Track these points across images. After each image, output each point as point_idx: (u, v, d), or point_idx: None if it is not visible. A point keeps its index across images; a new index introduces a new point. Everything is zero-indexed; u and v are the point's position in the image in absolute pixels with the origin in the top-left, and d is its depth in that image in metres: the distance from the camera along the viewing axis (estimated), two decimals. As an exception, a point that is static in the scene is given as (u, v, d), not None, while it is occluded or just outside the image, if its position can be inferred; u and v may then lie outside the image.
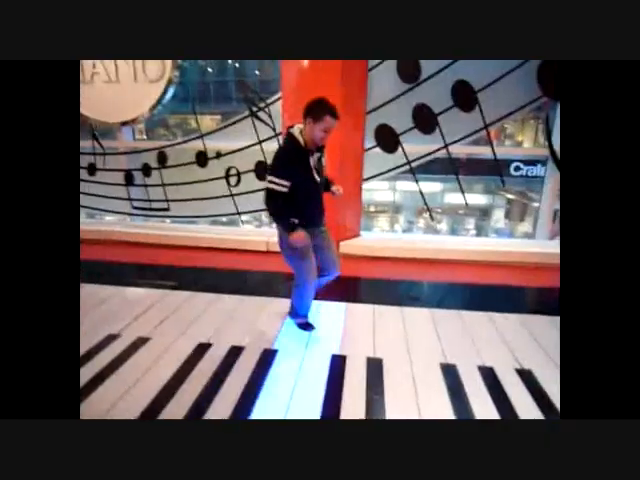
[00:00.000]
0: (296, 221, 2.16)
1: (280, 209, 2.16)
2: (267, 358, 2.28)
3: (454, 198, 12.82)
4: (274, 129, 4.17)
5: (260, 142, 4.28)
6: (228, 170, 4.50)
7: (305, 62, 3.66)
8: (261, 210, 4.78)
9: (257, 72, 10.13)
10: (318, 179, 2.21)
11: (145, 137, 6.16)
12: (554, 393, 1.99)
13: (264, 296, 3.13)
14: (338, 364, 2.23)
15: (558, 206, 11.30)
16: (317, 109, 2.09)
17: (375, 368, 2.20)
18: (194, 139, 4.54)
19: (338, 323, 2.71)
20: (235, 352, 2.35)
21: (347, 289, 3.37)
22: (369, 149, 4.11)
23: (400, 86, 3.90)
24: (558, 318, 2.66)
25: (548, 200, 4.30)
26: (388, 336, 2.54)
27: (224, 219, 5.61)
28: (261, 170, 4.38)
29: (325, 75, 3.64)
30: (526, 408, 1.89)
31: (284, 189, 2.10)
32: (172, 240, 4.51)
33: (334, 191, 2.41)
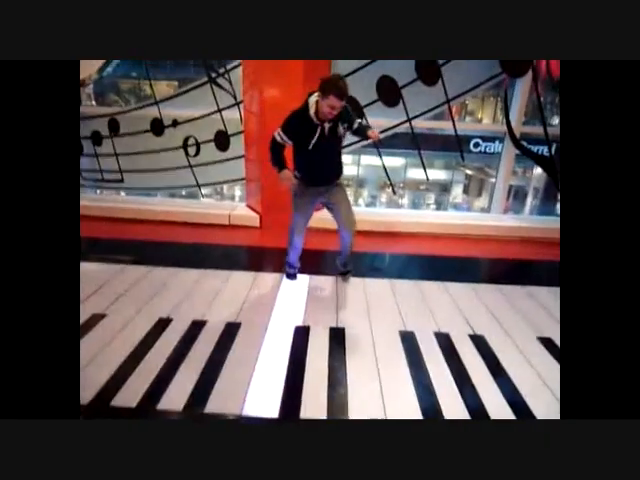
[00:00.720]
0: (297, 175, 2.55)
1: (274, 154, 2.47)
2: (230, 332, 2.27)
3: (416, 173, 13.06)
4: (235, 97, 4.00)
5: (220, 110, 4.10)
6: (186, 140, 4.30)
7: (267, 26, 3.47)
8: (223, 182, 4.65)
9: (216, 35, 9.61)
10: (324, 144, 2.38)
11: (94, 103, 5.71)
12: (504, 357, 2.14)
13: (227, 269, 3.08)
14: (301, 335, 2.26)
15: (512, 182, 11.71)
16: (326, 86, 2.19)
17: (337, 337, 2.25)
18: (148, 105, 4.27)
19: (302, 295, 2.74)
20: (197, 327, 2.31)
21: (310, 262, 3.39)
22: (333, 121, 4.06)
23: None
24: (505, 286, 2.79)
25: (503, 176, 4.48)
26: (351, 306, 2.60)
27: (183, 192, 5.40)
28: (222, 140, 4.21)
29: (288, 41, 3.50)
30: (478, 371, 2.03)
31: (281, 141, 2.42)
32: (127, 213, 4.30)
33: (370, 135, 2.48)
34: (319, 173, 2.55)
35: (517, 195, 14.26)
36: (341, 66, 3.86)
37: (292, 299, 2.69)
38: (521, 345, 2.27)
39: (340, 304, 2.63)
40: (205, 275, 2.98)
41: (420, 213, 6.19)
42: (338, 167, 2.64)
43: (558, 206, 14.23)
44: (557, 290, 2.96)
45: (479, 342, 2.27)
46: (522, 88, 4.07)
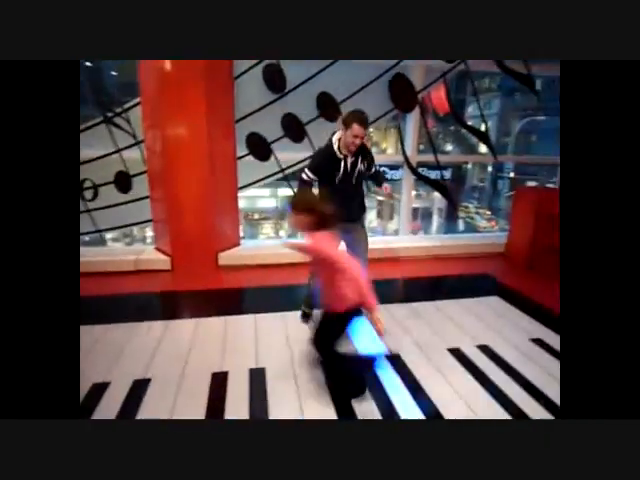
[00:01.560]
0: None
1: (302, 190, 2.54)
2: (137, 390, 2.05)
3: (333, 202, 13.52)
4: (134, 136, 3.82)
5: (119, 150, 3.87)
6: (82, 182, 3.96)
7: (166, 65, 3.43)
8: (127, 226, 4.34)
9: (114, 73, 9.16)
10: (348, 179, 2.54)
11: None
12: (418, 372, 2.23)
13: (134, 321, 2.81)
14: (219, 382, 2.13)
15: (419, 205, 12.74)
16: (348, 118, 2.41)
17: (258, 378, 2.16)
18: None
19: (218, 339, 2.60)
20: (98, 390, 2.05)
21: (228, 302, 3.27)
22: (241, 157, 4.07)
23: (267, 95, 3.96)
24: (417, 303, 2.87)
25: (406, 200, 4.86)
26: (270, 343, 2.53)
27: (87, 238, 4.92)
28: (123, 181, 3.96)
29: (186, 80, 3.48)
30: (396, 388, 2.08)
31: (308, 179, 2.55)
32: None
33: (384, 188, 2.73)
34: (343, 209, 2.50)
35: (424, 216, 15.58)
36: (242, 108, 3.94)
37: (208, 344, 2.53)
38: (433, 358, 2.40)
39: (260, 344, 2.55)
40: (108, 330, 2.68)
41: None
42: (361, 204, 2.74)
43: (460, 222, 15.67)
44: (463, 301, 3.22)
45: (396, 360, 2.35)
46: (413, 122, 4.52)
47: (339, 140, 2.49)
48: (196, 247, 3.91)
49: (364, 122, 2.40)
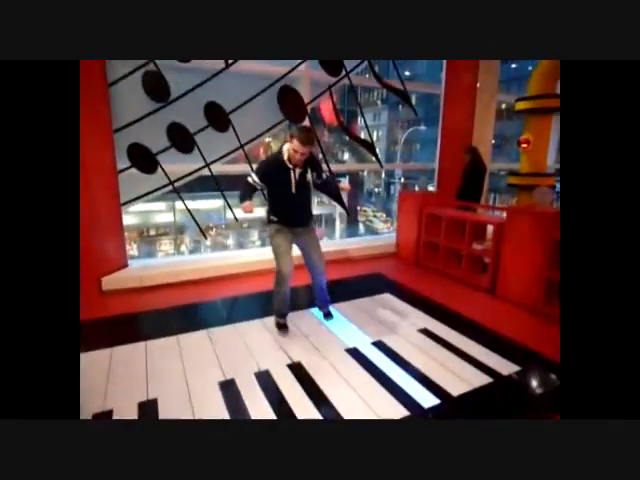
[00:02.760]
0: (273, 218, 2.74)
1: (244, 191, 2.62)
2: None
3: (237, 214, 13.27)
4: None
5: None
6: None
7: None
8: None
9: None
10: (295, 189, 2.62)
11: None
12: (320, 377, 2.28)
13: None
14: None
15: (323, 211, 13.21)
16: (293, 133, 2.48)
17: (148, 411, 1.97)
18: None
19: (102, 373, 2.31)
20: None
21: (114, 330, 2.94)
22: (123, 170, 3.74)
23: (148, 104, 3.71)
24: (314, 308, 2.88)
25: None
26: (163, 372, 2.34)
27: None
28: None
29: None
30: (299, 402, 2.09)
31: (253, 183, 2.61)
32: None
33: (341, 187, 2.97)
34: (292, 215, 2.73)
35: (328, 221, 16.20)
36: (122, 118, 3.63)
37: (91, 380, 2.23)
38: (332, 360, 2.47)
39: (151, 373, 2.34)
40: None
41: (241, 253, 6.24)
42: (308, 211, 2.84)
43: (360, 225, 16.60)
44: (358, 301, 3.38)
45: (297, 369, 2.36)
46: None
47: (287, 150, 2.55)
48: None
49: (306, 140, 2.46)
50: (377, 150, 5.19)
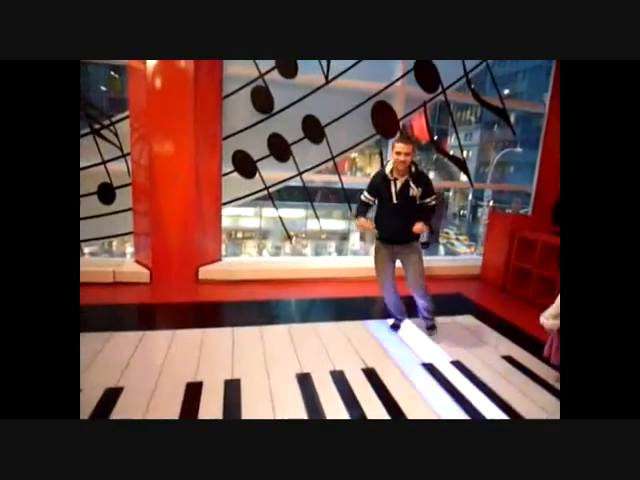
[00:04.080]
0: (376, 233, 2.82)
1: (359, 209, 2.79)
2: (108, 399, 2.02)
3: (316, 224, 13.75)
4: (121, 149, 3.86)
5: (104, 162, 3.90)
6: (64, 193, 3.94)
7: (156, 82, 3.54)
8: (108, 237, 4.31)
9: (104, 88, 9.25)
10: (395, 201, 2.65)
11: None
12: (394, 387, 2.28)
13: (108, 331, 2.78)
14: (193, 392, 2.12)
15: None
16: (394, 141, 2.64)
17: (233, 389, 2.16)
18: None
19: (194, 350, 2.59)
20: (67, 398, 2.01)
21: (206, 314, 3.26)
22: (227, 174, 4.15)
23: (255, 115, 4.09)
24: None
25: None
26: (247, 356, 2.54)
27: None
28: (106, 192, 3.97)
29: (176, 97, 3.59)
30: (371, 406, 2.12)
31: (365, 200, 2.77)
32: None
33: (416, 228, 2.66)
34: (390, 230, 2.74)
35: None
36: (231, 127, 4.05)
37: (185, 355, 2.52)
38: (408, 373, 2.45)
39: (236, 355, 2.55)
40: (83, 338, 2.63)
41: (320, 260, 6.45)
42: (409, 228, 2.64)
43: (440, 248, 15.95)
44: (438, 319, 3.30)
45: (371, 375, 2.39)
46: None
47: (392, 162, 2.64)
48: (177, 261, 3.91)
49: (405, 139, 2.55)
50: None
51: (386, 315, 3.16)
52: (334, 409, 2.04)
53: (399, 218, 2.65)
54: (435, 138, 5.03)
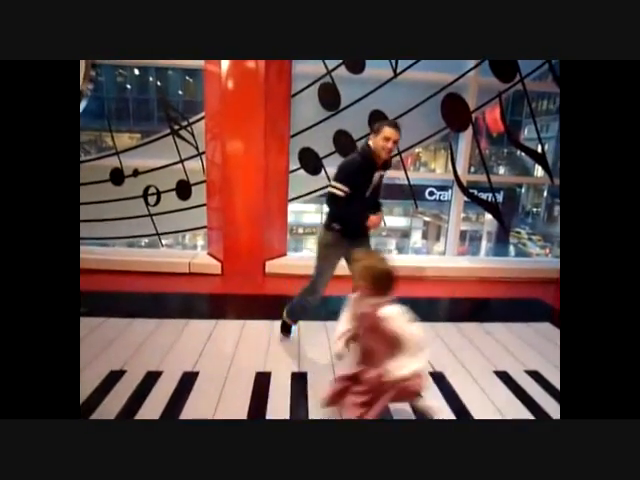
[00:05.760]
0: (337, 226, 2.35)
1: (341, 209, 2.31)
2: (186, 382, 2.18)
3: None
4: (197, 148, 4.12)
5: (182, 161, 4.18)
6: (147, 189, 4.30)
7: (229, 84, 3.71)
8: (184, 231, 4.63)
9: (180, 92, 9.96)
10: (368, 193, 2.32)
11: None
12: (463, 393, 2.17)
13: (185, 318, 2.99)
14: (262, 381, 2.20)
15: (467, 227, 12.27)
16: (377, 125, 2.25)
17: (299, 381, 2.21)
18: (108, 156, 4.29)
19: (263, 341, 2.69)
20: (152, 378, 2.20)
21: (273, 307, 3.37)
22: (293, 171, 4.24)
23: (321, 112, 4.12)
24: (462, 324, 2.81)
25: (454, 222, 4.77)
26: (313, 350, 2.58)
27: (143, 243, 5.29)
28: (183, 189, 4.26)
29: (248, 98, 3.73)
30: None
31: (344, 194, 2.24)
32: (83, 263, 4.12)
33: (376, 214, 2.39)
34: (357, 222, 2.37)
35: (472, 239, 15.07)
36: (298, 125, 4.12)
37: (254, 345, 2.63)
38: (479, 380, 2.32)
39: (302, 349, 2.61)
40: (162, 325, 2.87)
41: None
42: (368, 216, 2.42)
43: (510, 248, 14.96)
44: (512, 325, 3.10)
45: (439, 379, 2.31)
46: (465, 141, 4.48)
47: (375, 147, 2.24)
48: (246, 254, 4.09)
49: (395, 124, 2.25)
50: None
51: (292, 316, 2.72)
52: (400, 409, 2.00)
53: (369, 209, 2.36)
54: (510, 130, 4.70)
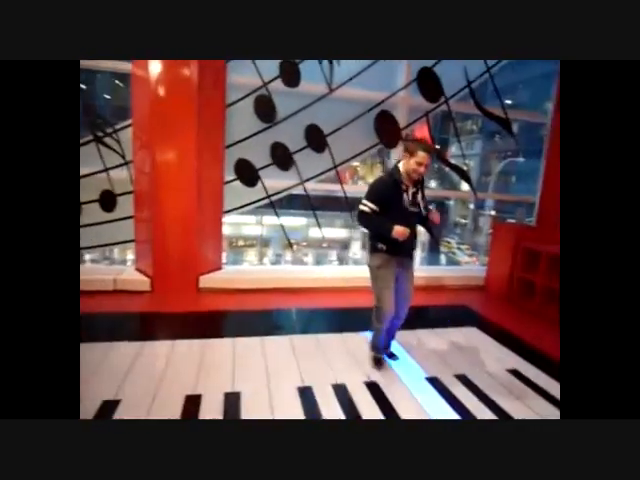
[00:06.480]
0: (383, 247, 2.43)
1: (372, 222, 2.41)
2: (106, 411, 1.97)
3: (318, 232, 13.80)
4: (123, 156, 3.85)
5: (106, 170, 3.89)
6: (66, 200, 3.92)
7: (160, 91, 3.54)
8: (109, 245, 4.28)
9: (107, 96, 9.33)
10: (410, 210, 2.40)
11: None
12: (395, 400, 2.22)
13: (108, 341, 2.74)
14: (191, 405, 2.07)
15: None
16: (413, 145, 2.33)
17: (232, 402, 2.11)
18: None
19: (194, 361, 2.54)
20: (63, 411, 1.96)
21: (207, 324, 3.21)
22: (229, 182, 4.13)
23: (258, 124, 4.08)
24: (404, 332, 2.82)
25: (389, 231, 4.94)
26: (248, 368, 2.49)
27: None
28: (108, 200, 3.95)
29: (180, 105, 3.59)
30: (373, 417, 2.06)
31: (370, 211, 2.36)
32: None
33: (431, 218, 2.51)
34: (402, 242, 2.38)
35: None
36: (233, 135, 4.05)
37: (183, 366, 2.47)
38: (411, 386, 2.39)
39: (237, 367, 2.50)
40: (82, 349, 2.58)
41: (321, 269, 6.41)
42: (416, 239, 2.56)
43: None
44: (441, 331, 3.25)
45: (374, 389, 2.34)
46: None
47: (402, 167, 2.38)
48: (177, 269, 3.87)
49: (430, 149, 2.33)
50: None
51: (375, 348, 2.68)
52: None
53: (412, 228, 2.43)
54: (438, 148, 5.02)
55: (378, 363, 2.65)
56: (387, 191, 2.38)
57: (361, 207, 2.39)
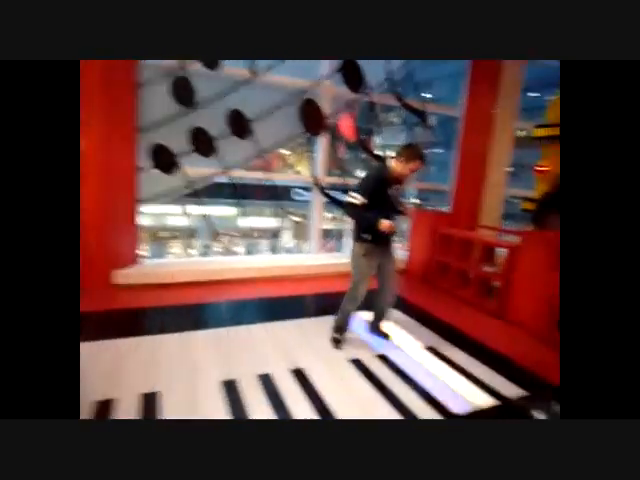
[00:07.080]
0: (368, 237, 2.59)
1: (359, 215, 2.56)
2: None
3: (248, 222, 13.52)
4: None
5: None
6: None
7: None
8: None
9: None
10: (394, 203, 2.62)
11: None
12: (321, 385, 2.27)
13: None
14: (103, 411, 1.91)
15: (333, 226, 12.91)
16: (412, 153, 2.52)
17: (149, 404, 1.99)
18: None
19: (105, 364, 2.34)
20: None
21: (121, 323, 2.98)
22: (144, 169, 3.83)
23: (176, 108, 3.82)
24: (330, 317, 2.87)
25: (315, 221, 5.01)
26: (168, 367, 2.36)
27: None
28: None
29: (83, 87, 3.21)
30: (300, 408, 2.08)
31: (361, 203, 2.49)
32: None
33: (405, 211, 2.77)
34: (382, 229, 2.55)
35: (339, 237, 16.19)
36: (148, 119, 3.74)
37: (94, 371, 2.26)
38: (336, 369, 2.46)
39: (155, 366, 2.36)
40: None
41: (252, 259, 6.29)
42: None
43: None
44: (362, 314, 3.37)
45: (299, 375, 2.36)
46: (323, 146, 4.74)
47: (393, 166, 2.55)
48: (84, 264, 3.51)
49: (425, 160, 2.57)
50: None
51: (339, 330, 2.82)
52: (261, 414, 1.97)
53: (393, 219, 2.63)
54: (361, 138, 5.15)
55: (338, 343, 2.80)
56: (377, 187, 2.56)
57: (350, 199, 2.55)
